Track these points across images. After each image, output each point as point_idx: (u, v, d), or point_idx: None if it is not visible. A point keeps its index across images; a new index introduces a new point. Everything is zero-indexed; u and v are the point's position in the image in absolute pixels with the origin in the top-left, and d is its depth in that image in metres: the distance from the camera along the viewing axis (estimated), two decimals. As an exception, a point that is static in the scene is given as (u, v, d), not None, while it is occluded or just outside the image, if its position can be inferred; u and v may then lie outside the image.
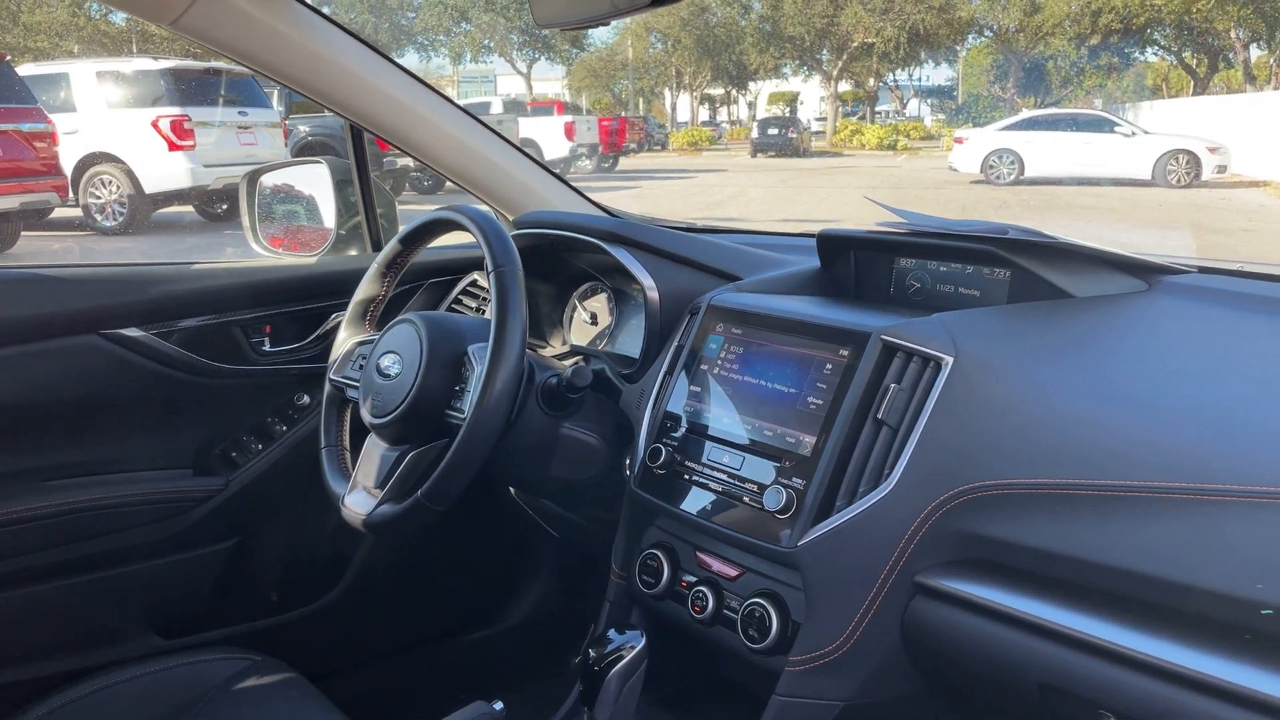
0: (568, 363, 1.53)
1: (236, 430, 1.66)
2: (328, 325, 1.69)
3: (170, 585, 1.61)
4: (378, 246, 1.80)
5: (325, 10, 1.50)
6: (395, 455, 1.25)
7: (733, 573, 1.20)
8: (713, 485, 1.20)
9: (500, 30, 34.17)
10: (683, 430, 1.27)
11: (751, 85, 39.26)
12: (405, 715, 1.84)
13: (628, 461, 1.33)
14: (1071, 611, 0.94)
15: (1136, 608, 0.91)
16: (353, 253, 1.83)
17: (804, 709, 1.09)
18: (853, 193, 14.03)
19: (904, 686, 1.11)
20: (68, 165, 9.41)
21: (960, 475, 1.02)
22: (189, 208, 10.84)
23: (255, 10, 1.38)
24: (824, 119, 34.77)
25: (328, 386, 1.43)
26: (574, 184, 1.83)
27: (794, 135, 25.88)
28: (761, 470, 1.15)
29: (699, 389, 1.28)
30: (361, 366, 1.36)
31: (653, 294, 1.44)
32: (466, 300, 1.76)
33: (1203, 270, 1.23)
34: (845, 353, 1.14)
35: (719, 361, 1.27)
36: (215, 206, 10.78)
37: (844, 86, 35.05)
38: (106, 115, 10.14)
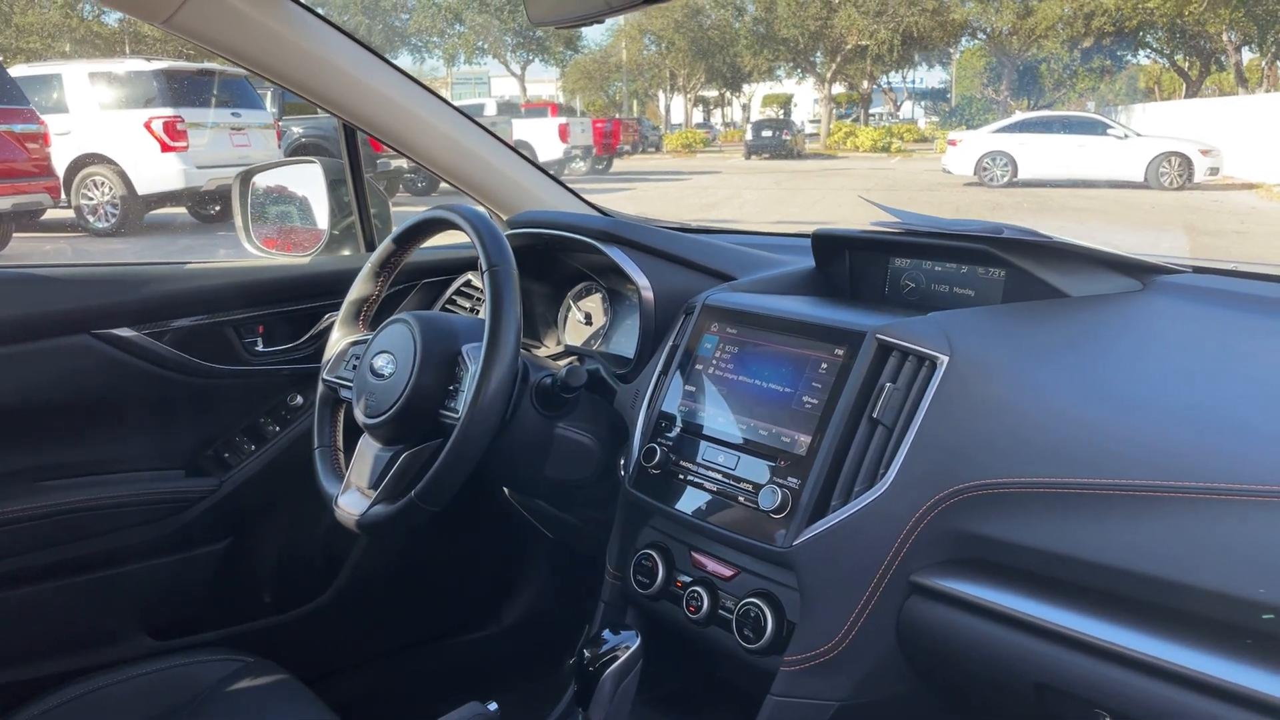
0: (562, 363, 1.53)
1: (229, 431, 1.65)
2: (321, 325, 1.68)
3: (163, 586, 1.60)
4: (371, 246, 1.80)
5: (319, 11, 1.49)
6: (389, 455, 1.25)
7: (728, 573, 1.20)
8: (708, 485, 1.20)
9: (494, 32, 34.15)
10: (677, 430, 1.27)
11: (745, 87, 39.33)
12: (399, 716, 1.83)
13: (622, 461, 1.33)
14: (1067, 611, 0.94)
15: (1132, 607, 0.91)
16: (346, 253, 1.82)
17: (799, 709, 1.09)
18: (847, 195, 14.04)
19: (899, 686, 1.10)
20: (60, 166, 9.38)
21: (955, 474, 1.01)
22: (182, 209, 10.81)
23: (248, 8, 1.38)
24: (818, 121, 34.81)
25: (321, 387, 1.42)
26: (568, 185, 1.83)
27: (788, 137, 25.90)
28: (756, 470, 1.15)
29: (694, 389, 1.28)
30: (355, 366, 1.36)
31: (647, 293, 1.44)
32: (460, 301, 1.76)
33: (1197, 270, 1.23)
34: (840, 352, 1.14)
35: (714, 361, 1.27)
36: (208, 208, 10.75)
37: (838, 89, 35.11)
38: (99, 116, 10.10)
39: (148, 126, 9.80)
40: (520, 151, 1.78)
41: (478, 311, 1.70)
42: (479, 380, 1.16)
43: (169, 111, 9.90)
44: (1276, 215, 12.17)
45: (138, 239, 10.03)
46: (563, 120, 19.33)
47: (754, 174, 20.34)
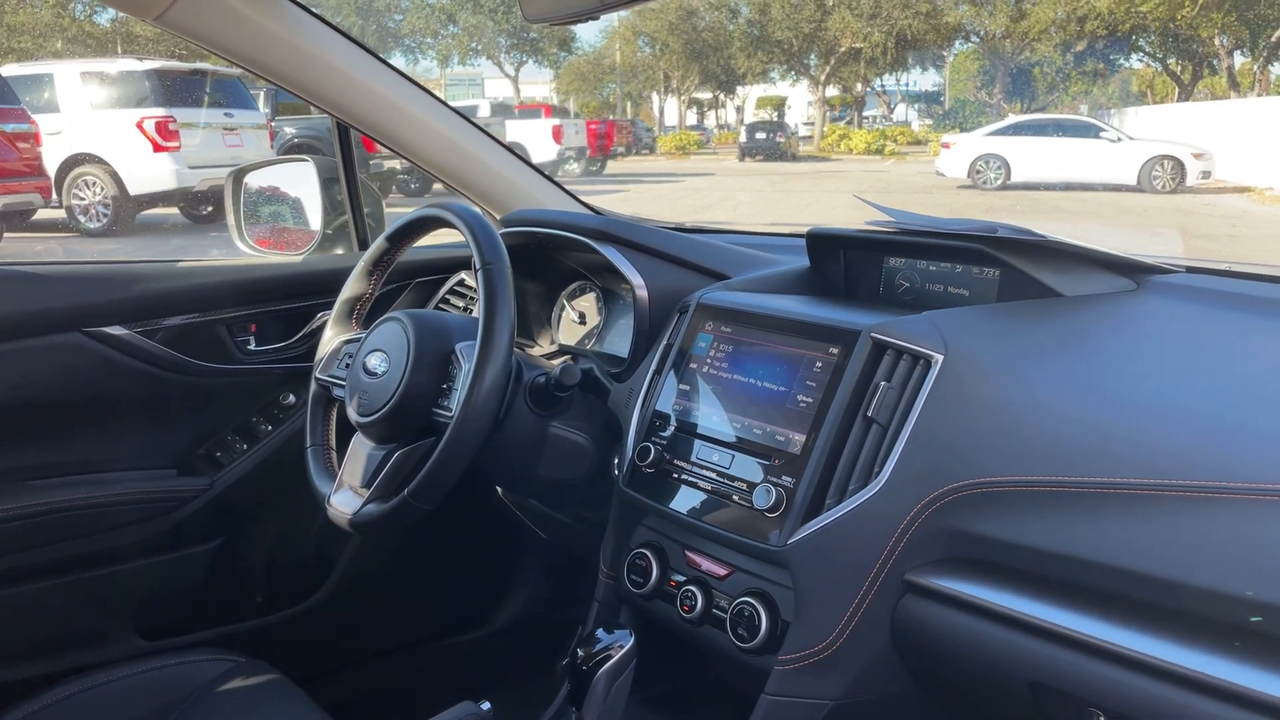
0: (556, 362, 1.53)
1: (221, 430, 1.64)
2: (314, 324, 1.67)
3: (154, 586, 1.59)
4: (364, 245, 1.79)
5: (312, 9, 1.49)
6: (382, 454, 1.24)
7: (722, 572, 1.20)
8: (702, 484, 1.20)
9: (488, 33, 34.13)
10: (672, 429, 1.26)
11: (739, 89, 39.33)
12: (391, 717, 1.83)
13: (616, 461, 1.32)
14: (1062, 609, 0.94)
15: (1127, 605, 0.91)
16: (339, 251, 1.82)
17: (793, 708, 1.09)
18: (840, 197, 14.05)
19: (894, 685, 1.10)
20: (51, 166, 9.34)
21: (950, 473, 1.01)
22: (174, 209, 10.78)
23: (241, 5, 1.37)
24: (811, 123, 34.89)
25: (313, 385, 1.42)
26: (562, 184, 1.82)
27: (782, 140, 25.94)
28: (751, 469, 1.15)
29: (688, 388, 1.27)
30: (348, 365, 1.35)
31: (641, 292, 1.44)
32: (454, 300, 1.75)
33: (1191, 270, 1.23)
34: (835, 351, 1.13)
35: (708, 360, 1.27)
36: (200, 208, 10.72)
37: (831, 91, 35.14)
38: (91, 116, 10.07)
39: (140, 126, 9.77)
40: (514, 150, 1.78)
41: (471, 310, 1.70)
42: (472, 379, 1.15)
43: (161, 111, 9.88)
44: (1268, 219, 12.22)
45: (130, 239, 10.00)
46: (556, 122, 19.32)
47: (748, 176, 20.36)
